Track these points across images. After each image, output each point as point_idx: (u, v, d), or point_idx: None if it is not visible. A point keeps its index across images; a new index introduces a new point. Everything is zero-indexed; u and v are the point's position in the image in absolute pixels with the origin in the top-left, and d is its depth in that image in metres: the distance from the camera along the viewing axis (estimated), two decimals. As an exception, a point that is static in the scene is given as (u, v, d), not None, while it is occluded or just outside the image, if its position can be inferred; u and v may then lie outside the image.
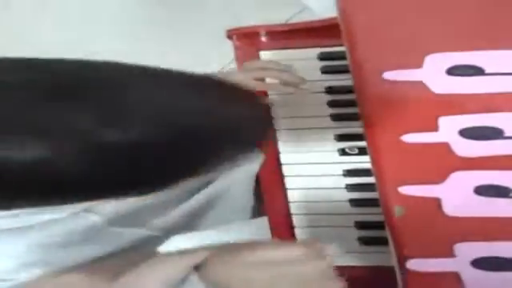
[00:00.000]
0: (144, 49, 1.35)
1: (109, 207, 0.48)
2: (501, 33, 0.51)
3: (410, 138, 0.51)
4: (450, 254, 0.49)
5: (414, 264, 0.51)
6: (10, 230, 0.42)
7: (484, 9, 0.51)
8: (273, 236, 0.74)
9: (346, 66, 0.60)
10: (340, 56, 0.67)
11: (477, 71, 0.51)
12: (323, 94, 0.71)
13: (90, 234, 0.47)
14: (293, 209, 0.74)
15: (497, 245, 0.49)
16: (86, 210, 0.47)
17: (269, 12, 1.02)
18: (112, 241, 0.49)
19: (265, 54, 0.75)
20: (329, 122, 0.72)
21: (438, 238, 0.51)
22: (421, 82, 0.52)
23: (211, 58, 0.76)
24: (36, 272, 0.42)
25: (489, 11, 0.51)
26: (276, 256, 0.42)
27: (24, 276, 0.41)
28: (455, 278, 0.49)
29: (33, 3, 1.54)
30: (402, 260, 0.51)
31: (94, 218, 0.47)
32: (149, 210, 0.54)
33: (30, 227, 0.43)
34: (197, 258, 0.41)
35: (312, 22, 0.69)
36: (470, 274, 0.49)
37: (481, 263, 0.49)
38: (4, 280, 0.41)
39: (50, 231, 0.44)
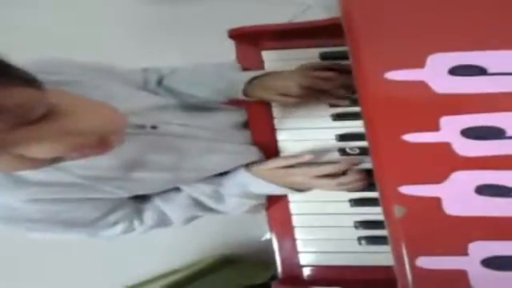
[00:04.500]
0: (144, 48, 1.35)
1: None
2: (503, 33, 0.51)
3: (412, 137, 0.51)
4: (461, 252, 0.49)
5: (420, 262, 0.51)
6: None
7: (486, 9, 0.52)
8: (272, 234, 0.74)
9: (347, 65, 0.60)
10: (342, 56, 0.67)
11: (479, 71, 0.51)
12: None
13: None
14: (293, 209, 0.74)
15: (503, 244, 0.49)
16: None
17: (271, 11, 1.02)
18: None
19: (267, 54, 0.76)
20: (330, 121, 0.72)
21: (440, 237, 0.51)
22: (423, 82, 0.52)
23: (212, 57, 0.75)
24: None
25: (491, 11, 0.51)
26: None
27: None
28: (463, 276, 0.49)
29: (43, 3, 1.55)
30: (406, 258, 0.51)
31: None
32: None
33: None
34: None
35: (313, 21, 0.69)
36: (478, 273, 0.49)
37: (490, 262, 0.49)
38: None
39: None
